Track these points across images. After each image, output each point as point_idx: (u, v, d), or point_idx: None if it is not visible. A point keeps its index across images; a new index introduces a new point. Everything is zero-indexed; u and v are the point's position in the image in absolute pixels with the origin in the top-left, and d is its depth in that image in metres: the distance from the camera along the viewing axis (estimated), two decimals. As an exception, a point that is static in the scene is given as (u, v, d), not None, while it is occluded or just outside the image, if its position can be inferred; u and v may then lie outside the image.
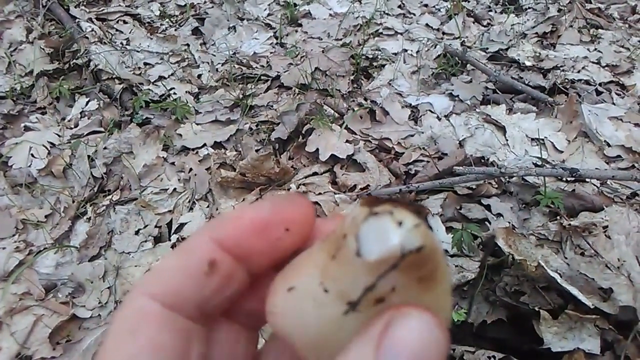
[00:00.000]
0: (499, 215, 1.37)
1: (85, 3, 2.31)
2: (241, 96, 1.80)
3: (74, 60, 1.96)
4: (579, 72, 1.87)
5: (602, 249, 1.16)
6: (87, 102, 1.79)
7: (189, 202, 1.47)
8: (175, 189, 1.50)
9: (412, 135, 1.64)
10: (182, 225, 1.41)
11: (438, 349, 0.22)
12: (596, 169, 1.50)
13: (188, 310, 0.27)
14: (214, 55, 2.07)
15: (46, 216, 1.44)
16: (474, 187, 1.45)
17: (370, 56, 2.00)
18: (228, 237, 0.27)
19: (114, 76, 1.87)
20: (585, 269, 1.12)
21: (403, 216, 0.23)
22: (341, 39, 2.14)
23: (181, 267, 0.27)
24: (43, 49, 1.99)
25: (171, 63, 1.99)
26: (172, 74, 1.93)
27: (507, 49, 2.03)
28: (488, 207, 1.40)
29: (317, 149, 1.55)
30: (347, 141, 1.58)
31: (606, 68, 1.90)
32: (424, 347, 0.22)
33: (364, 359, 0.22)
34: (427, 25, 2.22)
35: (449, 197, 1.43)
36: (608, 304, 1.05)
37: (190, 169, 1.54)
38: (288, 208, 0.28)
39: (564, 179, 1.42)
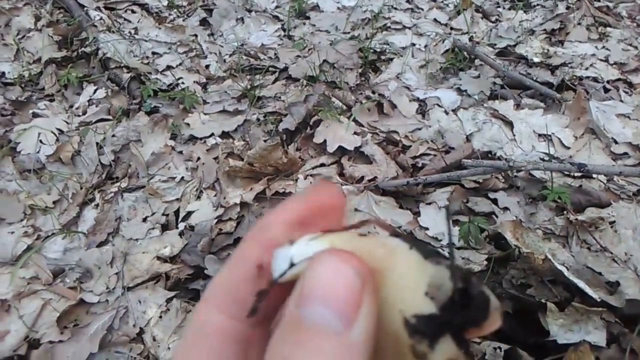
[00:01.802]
0: (506, 209, 1.37)
1: (93, -8, 2.31)
2: (249, 87, 1.80)
3: (82, 49, 1.96)
4: (586, 69, 1.87)
5: (610, 243, 1.17)
6: (95, 90, 1.79)
7: (197, 190, 1.47)
8: (182, 177, 1.50)
9: (420, 129, 1.64)
10: (189, 213, 1.41)
11: (346, 282, 0.23)
12: (603, 165, 1.50)
13: (243, 314, 0.28)
14: (222, 46, 2.08)
15: (54, 202, 1.44)
16: (480, 181, 1.46)
17: (379, 50, 2.01)
18: (272, 240, 0.28)
19: (122, 65, 1.87)
20: (593, 263, 1.12)
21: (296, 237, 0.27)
22: (349, 32, 2.14)
23: (234, 275, 0.29)
24: (51, 37, 1.99)
25: (179, 53, 1.99)
26: (180, 64, 1.94)
27: (515, 45, 2.03)
28: (495, 201, 1.40)
29: (325, 141, 1.55)
30: (354, 133, 1.58)
31: (614, 66, 1.90)
32: (332, 285, 0.23)
33: (289, 316, 0.24)
34: (435, 20, 2.22)
35: (456, 191, 1.43)
36: (614, 297, 1.05)
37: (198, 158, 1.54)
38: (318, 198, 0.30)
39: (572, 174, 1.42)
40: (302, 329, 0.23)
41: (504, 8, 2.33)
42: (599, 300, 1.04)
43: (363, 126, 1.64)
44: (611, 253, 1.15)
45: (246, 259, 0.28)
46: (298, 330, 0.23)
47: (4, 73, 1.85)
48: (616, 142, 1.58)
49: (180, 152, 1.58)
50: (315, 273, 0.24)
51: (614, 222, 1.24)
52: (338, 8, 2.31)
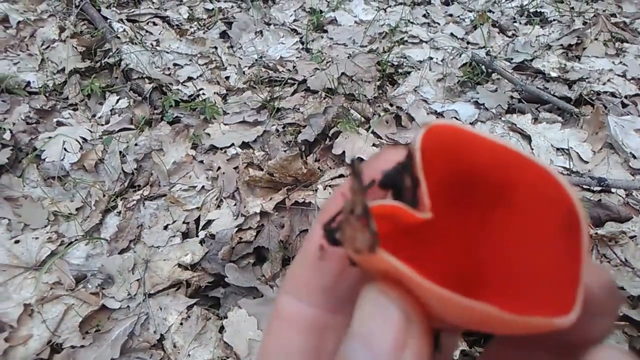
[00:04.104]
0: (525, 222, 1.37)
1: (116, 4, 2.37)
2: (268, 99, 1.83)
3: (106, 59, 2.00)
4: (604, 84, 1.88)
5: (632, 257, 1.16)
6: (118, 100, 1.83)
7: (217, 199, 1.49)
8: (203, 186, 1.52)
9: (438, 142, 1.65)
10: (210, 221, 1.43)
11: (388, 322, 0.22)
12: (623, 179, 1.50)
13: (317, 299, 0.27)
14: (241, 59, 2.11)
15: (77, 209, 1.47)
16: (499, 194, 1.46)
17: (396, 63, 2.03)
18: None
19: (144, 76, 1.91)
20: (614, 277, 1.12)
21: None
22: (366, 46, 2.17)
23: (300, 258, 0.28)
24: (75, 48, 2.03)
25: (200, 65, 2.03)
26: (200, 75, 1.97)
27: (532, 60, 2.04)
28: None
29: (344, 152, 1.57)
30: (373, 145, 1.60)
31: (632, 81, 1.91)
32: (372, 326, 0.22)
33: (340, 350, 0.23)
34: (452, 34, 2.24)
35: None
36: (637, 312, 1.05)
37: (219, 168, 1.56)
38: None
39: (591, 188, 1.42)
40: None
41: (520, 23, 2.35)
42: (621, 314, 1.04)
43: (381, 138, 1.66)
44: (633, 267, 1.14)
45: (310, 241, 0.28)
46: None
47: (29, 82, 1.89)
48: (635, 157, 1.58)
49: (201, 162, 1.60)
50: (361, 309, 0.23)
51: (635, 236, 1.24)
52: (355, 22, 2.34)
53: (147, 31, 2.21)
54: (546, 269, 0.23)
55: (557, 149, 1.62)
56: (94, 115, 1.80)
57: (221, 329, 1.21)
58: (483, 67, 1.91)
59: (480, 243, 0.25)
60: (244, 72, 2.03)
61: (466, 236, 0.26)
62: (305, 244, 0.28)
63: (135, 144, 1.62)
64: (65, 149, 1.60)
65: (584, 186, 1.43)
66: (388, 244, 0.21)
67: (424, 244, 0.25)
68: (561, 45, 2.13)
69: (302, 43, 2.22)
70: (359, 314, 0.23)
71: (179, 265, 1.33)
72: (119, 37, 2.07)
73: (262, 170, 1.50)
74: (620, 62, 2.02)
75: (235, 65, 2.06)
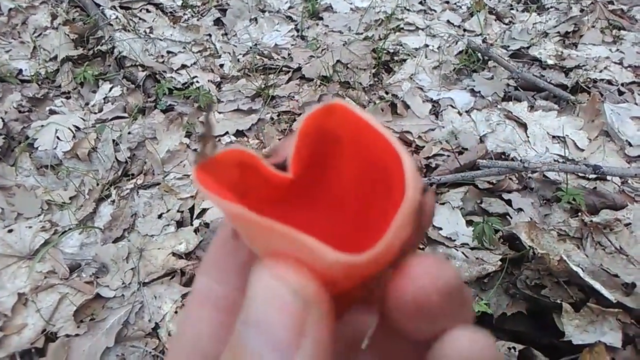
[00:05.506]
0: (520, 210, 1.37)
1: (108, -9, 2.34)
2: (263, 86, 1.81)
3: (98, 47, 1.98)
4: (601, 71, 1.87)
5: (626, 244, 1.17)
6: (111, 88, 1.81)
7: (211, 188, 1.48)
8: (197, 175, 1.51)
9: (433, 130, 1.64)
10: (204, 210, 1.42)
11: (282, 306, 0.20)
12: (618, 167, 1.49)
13: (229, 279, 0.27)
14: (236, 46, 2.09)
15: (71, 198, 1.46)
16: (494, 182, 1.46)
17: (392, 50, 2.01)
18: None
19: (137, 63, 1.89)
20: (609, 264, 1.12)
21: None
22: (362, 33, 2.15)
23: (215, 242, 0.29)
24: (67, 35, 2.01)
25: (193, 52, 2.01)
26: (194, 63, 1.95)
27: (528, 47, 2.03)
28: (509, 202, 1.40)
29: (339, 140, 1.56)
30: (368, 133, 1.59)
31: (628, 69, 1.90)
32: (266, 309, 0.20)
33: (235, 333, 0.21)
34: (448, 21, 2.22)
35: (469, 191, 1.43)
36: (631, 299, 1.05)
37: (213, 156, 1.55)
38: None
39: (586, 176, 1.42)
40: (240, 353, 0.20)
41: (517, 10, 2.33)
42: (614, 301, 1.04)
43: (377, 126, 1.65)
44: (627, 255, 1.15)
45: (225, 228, 0.28)
46: (237, 355, 0.20)
47: (21, 70, 1.87)
48: (631, 145, 1.58)
49: (195, 150, 1.59)
50: (252, 289, 0.21)
51: (630, 224, 1.24)
52: (351, 9, 2.32)
53: (140, 18, 2.19)
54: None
55: (553, 137, 1.61)
56: (86, 104, 1.78)
57: (216, 318, 1.21)
58: (479, 54, 1.90)
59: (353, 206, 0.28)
60: (238, 60, 2.01)
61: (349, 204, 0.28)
62: (219, 231, 0.29)
63: (129, 133, 1.61)
64: (58, 138, 1.58)
65: (580, 174, 1.42)
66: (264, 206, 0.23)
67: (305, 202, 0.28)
68: (558, 32, 2.12)
69: (297, 30, 2.20)
70: (253, 299, 0.21)
71: (174, 253, 1.32)
72: (111, 25, 2.04)
73: (256, 158, 1.50)
74: (617, 50, 2.01)
75: (229, 53, 2.04)
